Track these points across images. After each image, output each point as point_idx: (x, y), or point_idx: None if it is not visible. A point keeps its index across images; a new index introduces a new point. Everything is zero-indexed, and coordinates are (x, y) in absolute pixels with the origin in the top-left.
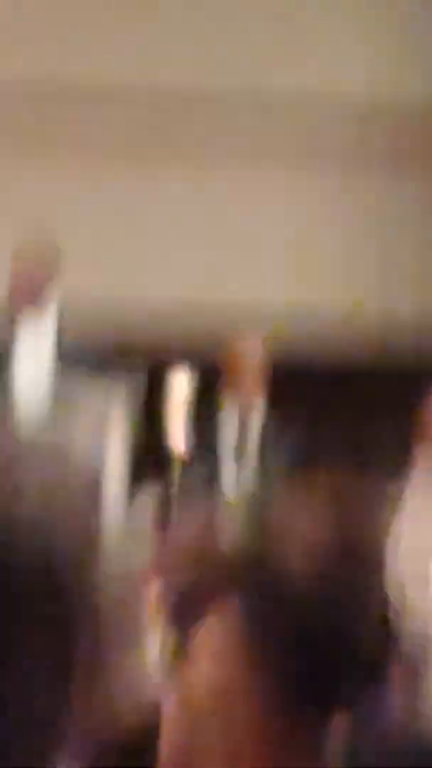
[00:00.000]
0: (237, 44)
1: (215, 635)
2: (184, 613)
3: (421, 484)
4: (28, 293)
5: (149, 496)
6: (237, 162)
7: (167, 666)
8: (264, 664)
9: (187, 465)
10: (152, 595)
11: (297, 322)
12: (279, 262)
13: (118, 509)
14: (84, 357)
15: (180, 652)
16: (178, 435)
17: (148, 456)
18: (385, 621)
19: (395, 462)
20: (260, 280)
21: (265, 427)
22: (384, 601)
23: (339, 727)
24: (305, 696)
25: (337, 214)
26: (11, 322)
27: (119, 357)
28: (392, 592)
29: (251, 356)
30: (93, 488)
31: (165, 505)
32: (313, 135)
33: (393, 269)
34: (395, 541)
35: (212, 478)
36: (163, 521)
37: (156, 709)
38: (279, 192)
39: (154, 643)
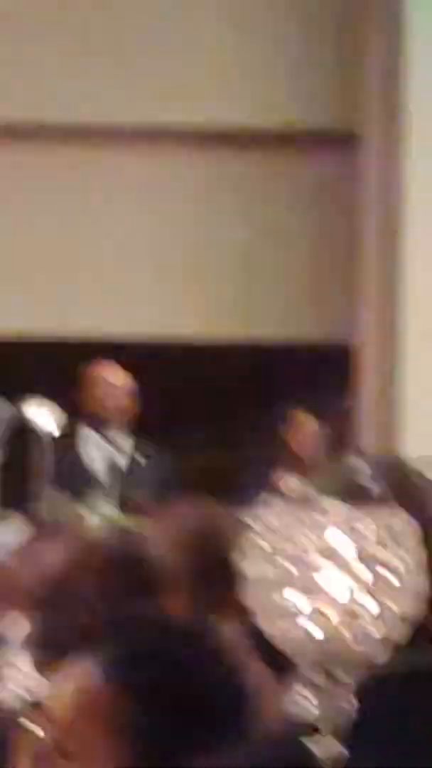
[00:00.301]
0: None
1: (71, 687)
2: (44, 652)
3: (276, 511)
4: None
5: (15, 522)
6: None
7: (22, 709)
8: (120, 718)
9: (53, 492)
10: (11, 630)
11: (162, 351)
12: (143, 291)
13: None
14: None
15: (36, 697)
16: (42, 463)
17: (15, 482)
18: (240, 665)
19: (259, 488)
20: (123, 309)
21: (129, 456)
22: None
23: None
24: (161, 748)
25: (201, 248)
26: None
27: None
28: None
29: (113, 385)
30: None
31: (30, 531)
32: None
33: (255, 298)
34: (248, 573)
35: (77, 504)
36: (27, 548)
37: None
38: (137, 222)
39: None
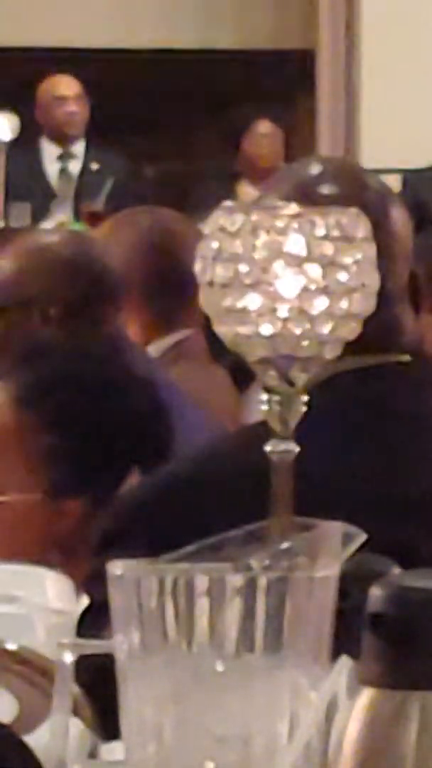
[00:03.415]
0: None
1: None
2: None
3: (230, 213)
4: None
5: None
6: None
7: None
8: (36, 445)
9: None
10: None
11: (115, 63)
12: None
13: None
14: None
15: None
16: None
17: None
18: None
19: (217, 199)
20: (74, 21)
21: (83, 164)
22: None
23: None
24: (84, 471)
25: None
26: None
27: None
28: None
29: (66, 96)
30: None
31: None
32: None
33: (212, 4)
34: (201, 276)
35: (34, 213)
36: None
37: None
38: None
39: None
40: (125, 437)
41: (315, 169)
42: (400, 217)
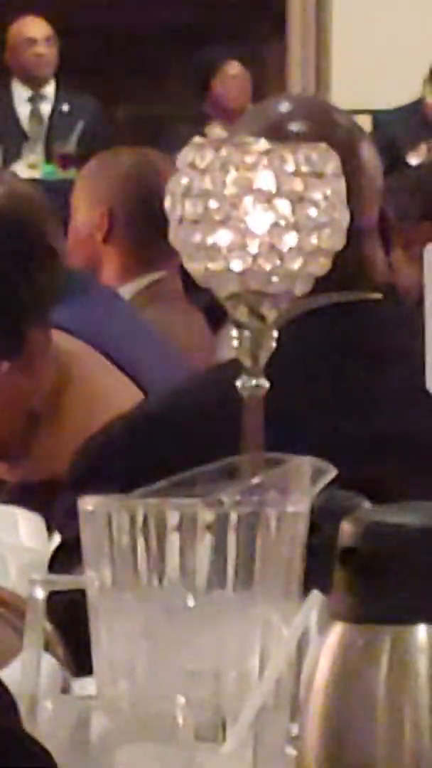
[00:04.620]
0: None
1: None
2: None
3: (199, 149)
4: None
5: None
6: None
7: None
8: None
9: None
10: None
11: (85, 5)
12: None
13: None
14: None
15: None
16: None
17: None
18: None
19: (187, 138)
20: None
21: (57, 110)
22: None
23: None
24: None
25: None
26: None
27: None
28: None
29: (35, 38)
30: None
31: None
32: None
33: None
34: (172, 213)
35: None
36: None
37: None
38: None
39: None
40: (17, 273)
41: (284, 106)
42: (369, 155)
